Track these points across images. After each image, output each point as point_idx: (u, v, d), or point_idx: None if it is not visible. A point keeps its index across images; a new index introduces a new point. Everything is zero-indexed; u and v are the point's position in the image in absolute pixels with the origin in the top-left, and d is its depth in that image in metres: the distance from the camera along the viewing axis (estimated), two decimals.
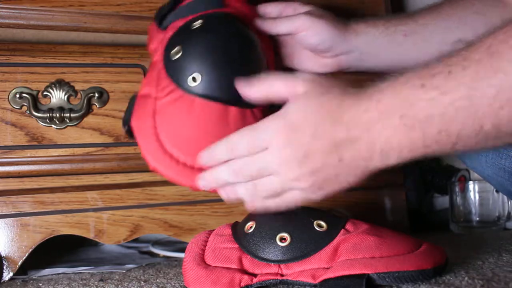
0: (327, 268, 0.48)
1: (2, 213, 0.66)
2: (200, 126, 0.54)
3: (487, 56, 0.41)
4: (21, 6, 0.66)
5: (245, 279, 0.49)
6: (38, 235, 0.66)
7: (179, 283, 0.57)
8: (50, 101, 0.68)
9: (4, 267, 0.65)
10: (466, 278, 0.49)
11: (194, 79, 0.54)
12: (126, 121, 0.57)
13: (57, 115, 0.66)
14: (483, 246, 0.71)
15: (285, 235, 0.51)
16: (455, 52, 0.44)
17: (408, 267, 0.47)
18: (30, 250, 0.66)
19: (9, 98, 0.66)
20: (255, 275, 0.50)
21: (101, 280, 0.63)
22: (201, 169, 0.53)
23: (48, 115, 0.66)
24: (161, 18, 0.61)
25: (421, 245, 0.51)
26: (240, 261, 0.51)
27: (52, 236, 0.67)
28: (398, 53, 0.68)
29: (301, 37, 0.66)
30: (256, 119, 0.57)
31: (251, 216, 0.55)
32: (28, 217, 0.67)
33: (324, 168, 0.47)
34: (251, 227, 0.53)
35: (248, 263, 0.51)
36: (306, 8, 0.67)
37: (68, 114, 0.67)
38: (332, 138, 0.46)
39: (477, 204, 0.94)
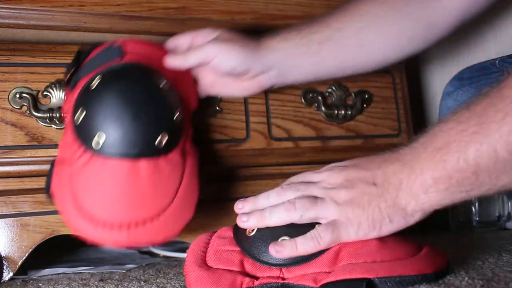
0: (329, 272, 0.48)
1: (2, 213, 0.66)
2: (113, 184, 0.55)
3: (496, 89, 0.45)
4: (21, 6, 0.66)
5: (247, 281, 0.49)
6: (38, 235, 0.66)
7: (179, 283, 0.57)
8: (50, 101, 0.68)
9: (4, 267, 0.65)
10: (466, 278, 0.49)
11: (99, 139, 0.55)
12: (47, 188, 0.59)
13: (57, 115, 0.66)
14: (483, 246, 0.71)
15: (286, 238, 0.51)
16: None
17: (409, 272, 0.47)
18: (30, 250, 0.66)
19: (9, 98, 0.66)
20: (256, 278, 0.50)
21: (101, 280, 0.63)
22: (121, 226, 0.55)
23: (48, 115, 0.66)
24: (69, 78, 0.62)
25: (422, 248, 0.51)
26: (242, 264, 0.51)
27: (52, 236, 0.67)
28: (316, 62, 0.67)
29: (213, 65, 0.65)
30: (173, 164, 0.58)
31: None
32: (28, 217, 0.67)
33: (360, 182, 0.51)
34: (252, 230, 0.53)
35: (250, 266, 0.51)
36: (214, 34, 0.66)
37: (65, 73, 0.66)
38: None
39: (477, 204, 0.94)
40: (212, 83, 0.69)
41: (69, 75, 0.62)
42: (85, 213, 0.55)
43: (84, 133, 0.56)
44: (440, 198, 0.48)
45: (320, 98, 0.80)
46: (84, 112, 0.56)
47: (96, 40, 0.72)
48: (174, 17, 0.73)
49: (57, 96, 0.68)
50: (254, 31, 0.77)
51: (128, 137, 0.55)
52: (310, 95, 0.81)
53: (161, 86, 0.60)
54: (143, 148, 0.56)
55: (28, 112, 0.66)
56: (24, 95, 0.66)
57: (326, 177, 0.53)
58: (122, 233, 0.55)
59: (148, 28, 0.72)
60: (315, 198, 0.51)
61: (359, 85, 0.84)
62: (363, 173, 0.51)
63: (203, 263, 0.52)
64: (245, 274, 0.50)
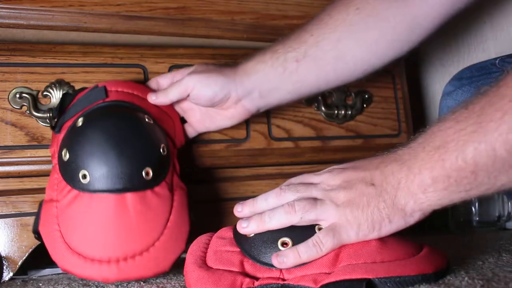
0: (329, 273, 0.48)
1: (2, 213, 0.66)
2: (100, 220, 0.56)
3: (495, 88, 0.44)
4: (21, 6, 0.66)
5: (247, 282, 0.49)
6: None
7: (179, 283, 0.57)
8: (50, 101, 0.68)
9: (4, 267, 0.65)
10: (466, 278, 0.49)
11: (84, 177, 0.57)
12: (35, 228, 0.60)
13: None
14: (483, 246, 0.71)
15: (286, 239, 0.50)
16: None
17: (409, 272, 0.47)
18: (30, 250, 0.66)
19: (9, 98, 0.66)
20: (256, 279, 0.50)
21: None
22: (109, 262, 0.55)
23: (48, 115, 0.66)
24: (54, 124, 0.63)
25: (422, 248, 0.51)
26: (242, 264, 0.51)
27: None
28: (296, 81, 0.66)
29: (194, 96, 0.65)
30: (161, 197, 0.59)
31: None
32: (28, 217, 0.66)
33: (358, 182, 0.51)
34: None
35: (250, 267, 0.51)
36: (191, 69, 0.67)
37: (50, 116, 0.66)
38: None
39: (477, 204, 0.94)
40: (199, 120, 0.70)
41: (55, 120, 0.63)
42: (73, 250, 0.56)
43: (70, 171, 0.58)
44: (439, 198, 0.47)
45: (320, 98, 0.80)
46: (69, 151, 0.58)
47: (96, 40, 0.72)
48: (174, 17, 0.73)
49: (57, 96, 0.68)
50: (254, 31, 0.77)
51: (113, 172, 0.56)
52: None
53: (144, 121, 0.61)
54: (128, 182, 0.57)
55: (28, 112, 0.66)
56: (24, 95, 0.66)
57: (325, 178, 0.53)
58: (112, 268, 0.55)
59: (148, 28, 0.72)
60: (315, 199, 0.51)
61: (359, 85, 0.84)
62: (361, 174, 0.51)
63: (203, 264, 0.52)
64: (245, 274, 0.50)
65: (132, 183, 0.57)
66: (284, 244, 0.50)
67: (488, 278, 0.48)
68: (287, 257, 0.49)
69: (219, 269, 0.51)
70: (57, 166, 0.60)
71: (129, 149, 0.58)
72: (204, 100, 0.65)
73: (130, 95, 0.65)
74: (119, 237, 0.56)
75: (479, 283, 0.46)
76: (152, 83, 0.70)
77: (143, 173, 0.58)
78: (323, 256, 0.49)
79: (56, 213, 0.58)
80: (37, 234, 0.59)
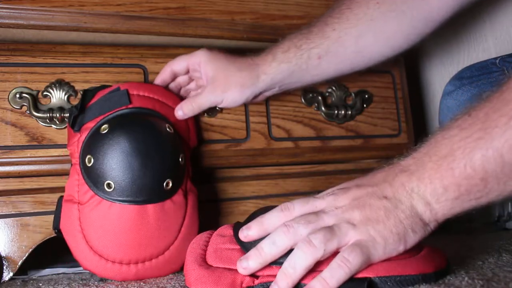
0: None
1: (2, 213, 0.66)
2: (121, 227, 0.59)
3: (498, 93, 0.44)
4: (21, 6, 0.66)
5: (247, 281, 0.49)
6: (38, 235, 0.66)
7: (179, 283, 0.57)
8: (50, 101, 0.68)
9: (4, 267, 0.65)
10: (466, 278, 0.48)
11: (109, 186, 0.58)
12: (56, 226, 0.62)
13: (57, 115, 0.66)
14: (483, 246, 0.71)
15: None
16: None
17: (409, 271, 0.47)
18: (30, 250, 0.66)
19: (9, 98, 0.66)
20: (256, 277, 0.50)
21: (101, 280, 0.63)
22: (128, 264, 0.60)
23: (48, 115, 0.66)
24: (73, 121, 0.63)
25: (422, 249, 0.51)
26: None
27: (52, 236, 0.67)
28: (315, 74, 0.69)
29: (221, 106, 0.71)
30: (177, 205, 0.62)
31: (252, 218, 0.55)
32: (28, 217, 0.67)
33: (369, 198, 0.48)
34: None
35: None
36: (209, 67, 0.68)
37: (68, 114, 0.67)
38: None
39: None
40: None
41: (73, 116, 0.63)
42: (95, 252, 0.59)
43: (93, 178, 0.59)
44: (451, 207, 0.47)
45: (320, 98, 0.80)
46: (94, 158, 0.59)
47: (96, 40, 0.72)
48: (174, 17, 0.73)
49: (57, 96, 0.68)
50: (254, 31, 0.77)
51: (136, 185, 0.58)
52: (310, 95, 0.81)
53: (166, 131, 0.62)
54: (150, 194, 0.59)
55: (28, 112, 0.66)
56: (24, 95, 0.66)
57: (331, 201, 0.50)
58: (131, 269, 0.60)
59: (148, 28, 0.72)
60: (329, 227, 0.47)
61: (359, 85, 0.84)
62: (369, 190, 0.49)
63: (203, 262, 0.52)
64: None
65: (153, 196, 0.59)
66: None
67: (488, 278, 0.48)
68: None
69: (219, 268, 0.50)
70: (78, 168, 0.61)
71: (152, 162, 0.59)
72: (230, 107, 0.71)
73: (151, 101, 0.66)
74: (139, 243, 0.59)
75: (479, 283, 0.46)
76: (166, 72, 0.70)
77: (164, 185, 0.60)
78: (324, 256, 0.48)
79: (78, 215, 0.60)
80: (57, 230, 0.62)
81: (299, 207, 0.50)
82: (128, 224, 0.59)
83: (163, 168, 0.60)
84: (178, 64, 0.69)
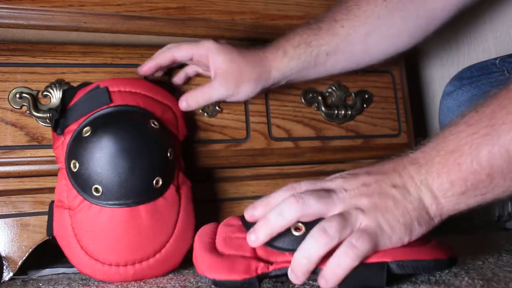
0: None
1: (2, 213, 0.66)
2: (114, 230, 0.58)
3: (505, 91, 0.45)
4: (21, 6, 0.66)
5: (261, 267, 0.48)
6: (38, 235, 0.66)
7: (179, 283, 0.57)
8: (50, 101, 0.68)
9: (4, 267, 0.65)
10: (466, 278, 0.49)
11: (97, 190, 0.58)
12: (50, 233, 0.61)
13: None
14: (483, 246, 0.71)
15: (299, 224, 0.48)
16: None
17: (425, 256, 0.46)
18: (30, 250, 0.66)
19: (9, 98, 0.66)
20: (270, 263, 0.49)
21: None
22: (126, 265, 0.59)
23: (48, 115, 0.66)
24: (55, 124, 0.62)
25: (430, 240, 0.51)
26: (254, 249, 0.50)
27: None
28: (322, 71, 0.69)
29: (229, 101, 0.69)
30: (170, 201, 0.61)
31: None
32: (28, 217, 0.67)
33: (378, 186, 0.48)
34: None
35: (262, 252, 0.50)
36: (218, 61, 0.67)
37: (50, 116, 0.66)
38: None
39: None
40: None
41: (55, 119, 0.62)
42: (91, 256, 0.59)
43: (81, 184, 0.58)
44: (457, 202, 0.47)
45: (320, 98, 0.80)
46: (79, 163, 0.58)
47: (96, 40, 0.72)
48: (174, 17, 0.73)
49: (57, 96, 0.68)
50: (254, 31, 0.77)
51: (124, 188, 0.57)
52: (310, 95, 0.81)
53: (151, 128, 0.60)
54: (140, 195, 0.58)
55: (28, 112, 0.66)
56: (24, 95, 0.66)
57: (340, 183, 0.49)
58: (128, 270, 0.59)
59: (148, 28, 0.72)
60: (341, 215, 0.46)
61: (359, 85, 0.84)
62: (378, 177, 0.49)
63: (214, 249, 0.50)
64: (259, 259, 0.49)
65: (144, 196, 0.59)
66: (297, 229, 0.48)
67: (488, 278, 0.48)
68: (327, 280, 0.45)
69: (231, 255, 0.49)
70: (65, 172, 0.60)
71: (139, 161, 0.58)
72: (239, 100, 0.70)
73: (134, 96, 0.63)
74: (134, 244, 0.59)
75: (479, 283, 0.46)
76: (165, 58, 0.68)
77: (154, 183, 0.59)
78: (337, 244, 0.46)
79: (70, 221, 0.59)
80: (51, 237, 0.61)
81: (306, 186, 0.50)
82: (120, 227, 0.58)
83: (151, 166, 0.59)
84: (182, 53, 0.67)
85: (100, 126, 0.59)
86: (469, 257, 0.61)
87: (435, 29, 0.69)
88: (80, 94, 0.63)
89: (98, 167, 0.57)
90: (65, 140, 0.61)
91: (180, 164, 0.65)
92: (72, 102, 0.63)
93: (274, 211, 0.47)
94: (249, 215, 0.50)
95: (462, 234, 0.91)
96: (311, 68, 0.68)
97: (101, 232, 0.58)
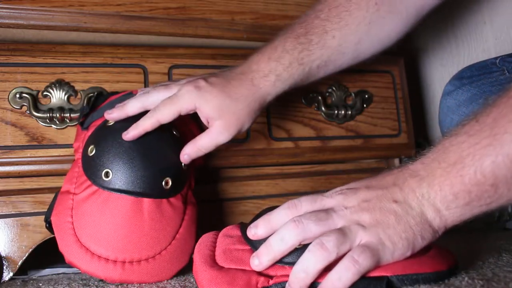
0: None
1: (2, 213, 0.66)
2: (114, 219, 0.57)
3: (505, 99, 0.44)
4: (21, 6, 0.66)
5: (262, 281, 0.48)
6: (38, 235, 0.66)
7: (179, 283, 0.57)
8: (50, 101, 0.68)
9: (4, 267, 0.65)
10: (466, 278, 0.48)
11: (106, 175, 0.58)
12: (47, 216, 0.60)
13: (57, 115, 0.66)
14: (483, 246, 0.71)
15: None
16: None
17: (425, 269, 0.46)
18: (30, 250, 0.66)
19: (9, 98, 0.66)
20: (271, 277, 0.49)
21: (101, 280, 0.63)
22: (115, 262, 0.56)
23: (48, 115, 0.66)
24: (83, 120, 0.64)
25: (430, 248, 0.50)
26: None
27: (52, 236, 0.67)
28: (313, 81, 0.68)
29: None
30: (175, 208, 0.60)
31: (257, 218, 0.54)
32: (28, 217, 0.67)
33: (379, 201, 0.48)
34: None
35: None
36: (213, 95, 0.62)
37: (68, 114, 0.67)
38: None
39: None
40: None
41: (83, 116, 0.64)
42: (82, 244, 0.57)
43: (93, 167, 0.59)
44: (461, 214, 0.47)
45: (320, 98, 0.80)
46: (96, 148, 0.59)
47: (96, 40, 0.72)
48: (174, 17, 0.73)
49: (57, 96, 0.68)
50: (254, 31, 0.77)
51: (135, 175, 0.58)
52: (310, 95, 0.81)
53: (172, 133, 0.62)
54: (148, 187, 0.58)
55: (28, 112, 0.66)
56: (24, 95, 0.66)
57: (340, 200, 0.49)
58: (117, 268, 0.57)
59: (148, 28, 0.72)
60: (340, 229, 0.46)
61: (359, 85, 0.84)
62: (379, 192, 0.48)
63: (214, 263, 0.50)
64: (259, 273, 0.49)
65: (151, 189, 0.58)
66: None
67: (488, 278, 0.48)
68: None
69: (231, 268, 0.49)
70: (80, 161, 0.61)
71: (154, 157, 0.59)
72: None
73: None
74: (130, 239, 0.57)
75: (479, 283, 0.46)
76: (151, 122, 0.59)
77: (163, 182, 0.59)
78: (335, 258, 0.46)
79: (71, 205, 0.59)
80: (48, 223, 0.61)
81: (306, 204, 0.50)
82: (122, 215, 0.57)
83: (164, 165, 0.59)
84: (167, 117, 0.60)
85: (125, 119, 0.60)
86: (469, 257, 0.61)
87: (422, 20, 0.69)
88: (111, 99, 0.65)
89: (113, 153, 0.58)
90: (88, 132, 0.63)
91: (190, 184, 0.65)
92: (103, 104, 0.65)
93: (275, 237, 0.48)
94: (251, 234, 0.50)
95: (462, 234, 0.91)
96: (303, 81, 0.67)
97: (99, 219, 0.57)
